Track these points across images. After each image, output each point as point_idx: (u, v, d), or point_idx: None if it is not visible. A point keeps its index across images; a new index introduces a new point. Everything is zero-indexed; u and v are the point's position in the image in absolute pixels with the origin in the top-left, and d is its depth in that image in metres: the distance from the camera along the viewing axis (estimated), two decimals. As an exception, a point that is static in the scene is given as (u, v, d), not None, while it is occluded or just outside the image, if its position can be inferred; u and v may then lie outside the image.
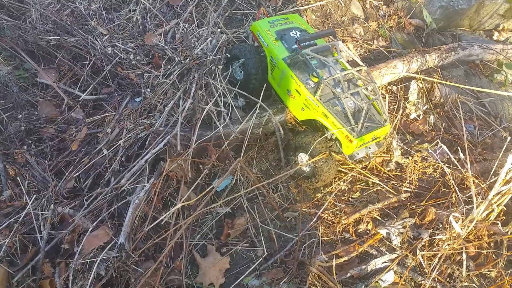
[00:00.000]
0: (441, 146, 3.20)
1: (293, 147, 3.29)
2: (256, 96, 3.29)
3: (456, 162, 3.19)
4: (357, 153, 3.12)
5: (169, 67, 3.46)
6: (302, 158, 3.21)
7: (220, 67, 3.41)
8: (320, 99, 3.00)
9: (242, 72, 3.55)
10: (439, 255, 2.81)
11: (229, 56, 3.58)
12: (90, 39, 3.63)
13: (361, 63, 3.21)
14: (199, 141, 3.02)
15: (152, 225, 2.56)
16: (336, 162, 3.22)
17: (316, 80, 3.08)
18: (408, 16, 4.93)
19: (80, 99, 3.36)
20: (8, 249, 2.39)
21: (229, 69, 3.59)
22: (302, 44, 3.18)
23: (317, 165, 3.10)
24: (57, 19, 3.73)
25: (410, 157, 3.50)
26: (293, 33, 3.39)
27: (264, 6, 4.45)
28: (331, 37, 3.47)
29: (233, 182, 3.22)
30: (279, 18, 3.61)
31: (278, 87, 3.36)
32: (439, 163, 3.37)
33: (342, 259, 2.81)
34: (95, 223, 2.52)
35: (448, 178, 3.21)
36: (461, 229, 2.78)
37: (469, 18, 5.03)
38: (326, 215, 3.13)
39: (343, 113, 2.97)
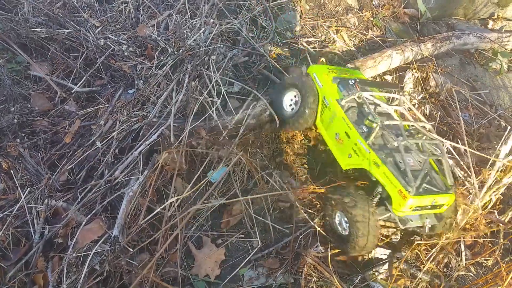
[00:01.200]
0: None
1: (332, 203, 2.83)
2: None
3: (453, 151, 3.17)
4: (411, 220, 2.67)
5: (162, 58, 3.44)
6: (341, 222, 2.79)
7: (213, 57, 3.38)
8: (372, 146, 2.65)
9: (293, 107, 3.25)
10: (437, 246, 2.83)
11: (283, 85, 3.32)
12: (82, 31, 3.60)
13: (424, 120, 2.94)
14: (191, 127, 3.00)
15: (147, 218, 2.54)
16: (378, 225, 2.66)
17: (371, 125, 2.70)
18: (402, 6, 4.90)
19: (73, 92, 3.34)
20: (1, 243, 2.38)
21: (276, 96, 3.35)
22: (360, 86, 2.98)
23: (353, 228, 2.61)
24: (49, 12, 3.71)
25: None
26: (351, 82, 3.12)
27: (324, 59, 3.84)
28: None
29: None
30: (340, 68, 3.45)
31: (325, 130, 3.07)
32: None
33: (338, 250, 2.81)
34: (89, 216, 2.51)
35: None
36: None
37: (464, 7, 5.01)
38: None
39: (398, 166, 2.56)
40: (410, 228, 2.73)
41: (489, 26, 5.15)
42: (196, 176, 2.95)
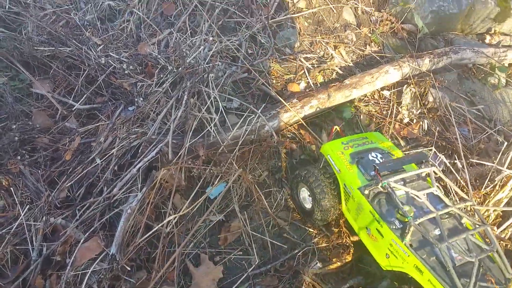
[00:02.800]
0: (437, 155, 3.18)
1: None
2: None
3: (452, 168, 3.18)
4: None
5: (162, 76, 3.49)
6: None
7: (212, 74, 3.42)
8: (411, 246, 2.28)
9: (310, 204, 3.00)
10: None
11: (295, 181, 3.13)
12: (84, 49, 3.66)
13: (465, 196, 2.57)
14: (189, 143, 3.03)
15: (145, 237, 2.56)
16: None
17: (405, 219, 2.33)
18: (400, 21, 4.95)
19: (74, 109, 3.38)
20: (-1, 260, 2.40)
21: (295, 190, 3.16)
22: (382, 172, 2.54)
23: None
24: (52, 30, 3.77)
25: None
26: (372, 156, 2.78)
27: (338, 125, 3.66)
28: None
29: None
30: (356, 137, 3.06)
31: (354, 221, 2.69)
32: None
33: (335, 265, 2.81)
34: (87, 234, 2.53)
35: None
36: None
37: (461, 22, 5.06)
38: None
39: (443, 265, 2.18)
40: None
41: (486, 41, 5.20)
42: (194, 193, 2.98)
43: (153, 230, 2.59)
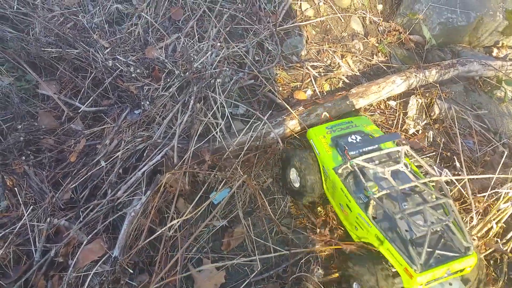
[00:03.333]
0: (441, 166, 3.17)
1: (345, 274, 2.67)
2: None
3: (455, 181, 3.16)
4: None
5: (168, 80, 3.49)
6: None
7: (219, 80, 3.42)
8: (374, 218, 2.49)
9: (298, 183, 3.16)
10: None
11: (285, 161, 3.26)
12: (91, 51, 3.67)
13: (432, 171, 2.72)
14: (194, 147, 3.03)
15: (148, 240, 2.55)
16: None
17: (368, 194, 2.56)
18: (408, 32, 4.96)
19: (80, 111, 3.39)
20: (1, 260, 2.38)
21: (286, 173, 3.27)
22: (351, 153, 2.78)
23: None
24: (59, 32, 3.78)
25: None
26: (351, 138, 2.95)
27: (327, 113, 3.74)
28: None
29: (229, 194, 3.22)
30: (342, 122, 3.23)
31: (332, 199, 2.96)
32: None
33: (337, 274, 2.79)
34: (90, 236, 2.52)
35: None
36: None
37: (469, 35, 5.06)
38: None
39: (404, 236, 2.36)
40: None
41: (494, 54, 5.18)
42: (198, 197, 2.97)
43: (156, 234, 2.58)
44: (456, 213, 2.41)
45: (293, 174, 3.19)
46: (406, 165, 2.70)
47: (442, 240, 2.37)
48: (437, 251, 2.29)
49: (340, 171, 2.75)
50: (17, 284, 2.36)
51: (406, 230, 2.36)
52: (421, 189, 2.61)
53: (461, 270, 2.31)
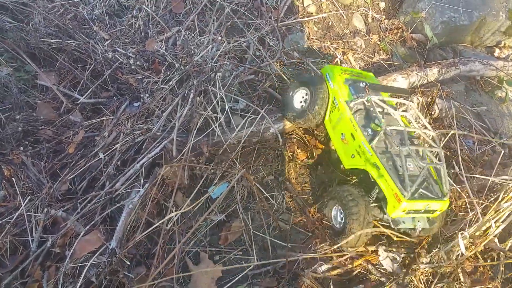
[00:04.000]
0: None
1: (328, 197, 3.06)
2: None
3: (450, 181, 3.15)
4: (403, 221, 2.83)
5: (168, 73, 3.47)
6: (337, 215, 2.97)
7: (219, 74, 3.40)
8: (375, 149, 2.79)
9: (303, 104, 3.35)
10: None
11: (295, 83, 3.42)
12: (91, 43, 3.64)
13: (429, 127, 3.04)
14: (194, 141, 3.01)
15: (146, 233, 2.53)
16: (371, 222, 2.84)
17: (377, 128, 2.85)
18: (410, 31, 4.94)
19: (78, 102, 3.36)
20: (-2, 250, 2.38)
21: (288, 95, 3.43)
22: (371, 90, 3.09)
23: (349, 225, 2.76)
24: (59, 23, 3.76)
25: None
26: (362, 84, 3.19)
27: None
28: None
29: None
30: (353, 70, 3.50)
31: (332, 129, 3.18)
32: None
33: (336, 271, 2.78)
34: (87, 227, 2.50)
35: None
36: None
37: (471, 34, 5.05)
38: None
39: (397, 170, 2.72)
40: (401, 229, 2.89)
41: (496, 54, 5.18)
42: (196, 191, 2.95)
43: (154, 226, 2.56)
44: (444, 162, 2.80)
45: (303, 95, 3.37)
46: (413, 117, 3.08)
47: (425, 183, 2.74)
48: (421, 190, 2.65)
49: (351, 105, 2.99)
50: (13, 274, 2.34)
51: (400, 166, 2.70)
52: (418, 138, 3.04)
53: (434, 211, 2.73)
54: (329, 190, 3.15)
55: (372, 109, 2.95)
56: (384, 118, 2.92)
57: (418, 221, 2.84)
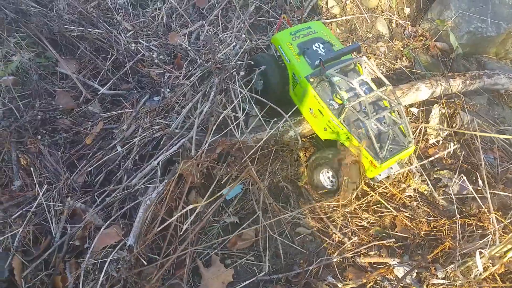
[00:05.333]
0: (462, 177, 3.11)
1: (313, 165, 3.24)
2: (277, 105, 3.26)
3: (475, 194, 3.09)
4: (379, 175, 3.07)
5: (190, 68, 3.42)
6: (326, 174, 3.20)
7: (241, 73, 3.35)
8: (344, 121, 2.95)
9: (262, 81, 3.49)
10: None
11: (252, 63, 3.48)
12: (114, 33, 3.61)
13: (386, 81, 3.12)
14: (211, 139, 2.97)
15: (162, 226, 2.51)
16: (359, 171, 3.09)
17: (340, 102, 3.01)
18: (434, 39, 4.85)
19: (99, 93, 3.33)
20: (22, 239, 2.35)
21: (251, 76, 3.48)
22: (326, 65, 3.09)
23: (341, 178, 3.00)
24: (83, 10, 3.72)
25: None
26: (316, 46, 3.29)
27: (288, 15, 4.39)
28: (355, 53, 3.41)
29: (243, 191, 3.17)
30: (301, 27, 3.48)
31: (299, 103, 3.29)
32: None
33: (350, 285, 2.73)
34: (109, 221, 2.49)
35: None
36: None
37: (496, 46, 4.95)
38: (335, 235, 3.05)
39: (367, 136, 2.91)
40: (379, 180, 3.19)
41: (521, 68, 5.07)
42: (211, 191, 2.91)
43: (169, 221, 2.53)
44: (405, 117, 3.02)
45: (257, 78, 3.47)
46: (367, 75, 3.21)
47: (392, 135, 2.96)
48: (390, 145, 2.88)
49: (311, 79, 3.08)
50: (36, 264, 2.33)
51: (367, 131, 2.89)
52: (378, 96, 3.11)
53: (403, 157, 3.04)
54: (310, 161, 3.28)
55: (331, 82, 3.04)
56: (345, 87, 3.10)
57: (391, 168, 3.12)
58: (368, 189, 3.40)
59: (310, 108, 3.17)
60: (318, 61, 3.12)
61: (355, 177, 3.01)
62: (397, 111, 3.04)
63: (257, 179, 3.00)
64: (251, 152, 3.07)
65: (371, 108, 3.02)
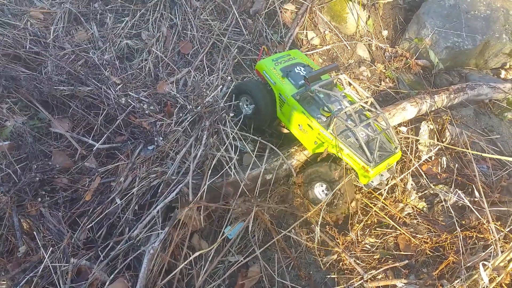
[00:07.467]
0: (457, 192, 3.15)
1: (307, 180, 3.36)
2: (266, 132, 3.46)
3: (471, 206, 3.13)
4: (372, 182, 3.18)
5: (181, 115, 3.50)
6: (320, 187, 3.34)
7: (231, 114, 3.44)
8: (333, 133, 3.09)
9: (250, 107, 3.60)
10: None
11: (236, 92, 3.64)
12: (103, 88, 3.70)
13: (366, 94, 3.39)
14: (208, 182, 3.03)
15: (168, 278, 2.52)
16: (353, 186, 3.33)
17: (327, 114, 3.17)
18: (414, 57, 4.99)
19: (94, 149, 3.39)
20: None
21: (236, 107, 3.65)
22: (300, 82, 3.33)
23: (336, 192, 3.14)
24: (71, 70, 3.83)
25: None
26: (297, 69, 3.51)
27: (267, 45, 4.57)
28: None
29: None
30: (282, 55, 3.71)
31: (288, 122, 3.42)
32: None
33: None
34: (113, 275, 2.50)
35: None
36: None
37: (475, 58, 5.09)
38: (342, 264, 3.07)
39: (357, 144, 3.08)
40: (372, 187, 3.29)
41: (502, 76, 5.20)
42: (213, 232, 2.94)
43: (174, 272, 2.55)
44: (389, 124, 3.24)
45: (244, 103, 3.65)
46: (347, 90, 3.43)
47: (379, 143, 3.11)
48: (378, 152, 3.03)
49: (298, 97, 3.26)
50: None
51: (356, 139, 3.08)
52: (360, 108, 3.36)
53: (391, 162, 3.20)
54: (304, 177, 3.39)
55: (317, 97, 3.23)
56: (330, 101, 3.29)
57: (382, 175, 3.24)
58: (368, 206, 3.47)
59: (299, 125, 3.30)
60: (302, 81, 3.34)
61: (349, 189, 3.18)
62: (381, 118, 3.26)
63: (266, 219, 3.05)
64: (244, 190, 3.14)
65: (357, 118, 3.17)
